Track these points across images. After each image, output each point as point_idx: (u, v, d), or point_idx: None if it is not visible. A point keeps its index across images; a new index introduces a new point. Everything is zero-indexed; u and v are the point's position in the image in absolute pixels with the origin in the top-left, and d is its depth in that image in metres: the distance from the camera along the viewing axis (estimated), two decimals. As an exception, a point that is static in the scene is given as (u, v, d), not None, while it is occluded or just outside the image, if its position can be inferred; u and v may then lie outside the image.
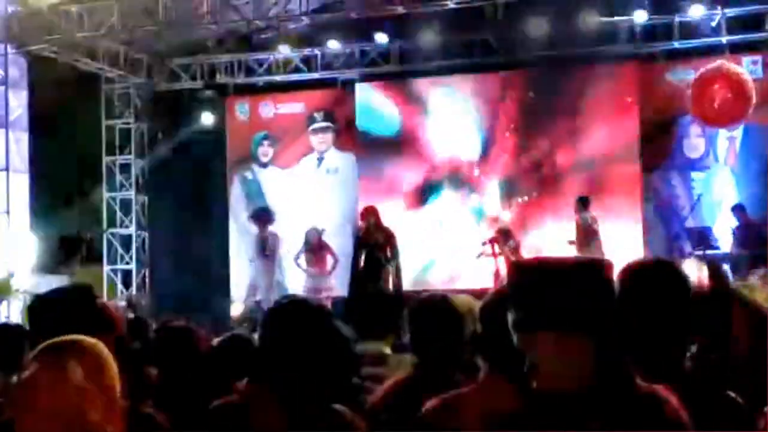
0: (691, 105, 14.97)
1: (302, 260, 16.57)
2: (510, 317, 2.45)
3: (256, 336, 4.01)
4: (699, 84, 14.65)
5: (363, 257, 14.41)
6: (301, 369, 3.35)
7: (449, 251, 16.89)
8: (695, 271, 3.82)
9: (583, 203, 15.26)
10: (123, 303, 16.00)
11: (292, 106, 18.46)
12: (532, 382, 2.41)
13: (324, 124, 18.23)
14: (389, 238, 14.43)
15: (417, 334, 4.00)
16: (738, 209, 15.04)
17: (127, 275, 18.60)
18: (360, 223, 14.95)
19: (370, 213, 14.56)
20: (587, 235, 15.00)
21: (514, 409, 2.49)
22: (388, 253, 14.34)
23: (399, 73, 17.80)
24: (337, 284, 15.82)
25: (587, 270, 2.47)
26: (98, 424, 2.53)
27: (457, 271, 16.59)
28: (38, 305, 3.84)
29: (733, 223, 15.01)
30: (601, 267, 2.50)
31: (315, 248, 16.36)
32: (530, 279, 2.45)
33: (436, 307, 3.99)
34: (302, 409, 3.30)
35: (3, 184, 16.12)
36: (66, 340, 2.63)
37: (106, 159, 18.69)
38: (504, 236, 15.46)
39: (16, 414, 2.54)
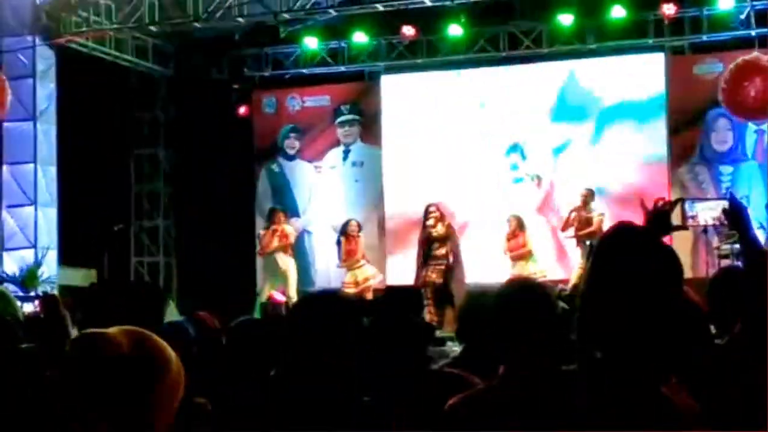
0: (723, 97, 14.80)
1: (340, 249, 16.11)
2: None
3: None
4: (734, 76, 14.44)
5: (429, 251, 14.67)
6: (329, 361, 3.35)
7: (483, 251, 16.46)
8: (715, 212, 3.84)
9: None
10: None
11: (319, 99, 18.44)
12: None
13: (350, 116, 18.21)
14: (451, 233, 14.75)
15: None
16: None
17: (154, 267, 18.69)
18: (427, 218, 14.94)
19: (435, 208, 14.80)
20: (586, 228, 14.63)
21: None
22: (452, 249, 14.66)
23: (426, 65, 17.77)
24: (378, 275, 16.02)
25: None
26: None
27: (492, 268, 16.08)
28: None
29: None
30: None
31: (350, 238, 15.94)
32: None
33: None
34: (330, 402, 3.30)
35: (30, 176, 16.18)
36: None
37: (133, 151, 18.81)
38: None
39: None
